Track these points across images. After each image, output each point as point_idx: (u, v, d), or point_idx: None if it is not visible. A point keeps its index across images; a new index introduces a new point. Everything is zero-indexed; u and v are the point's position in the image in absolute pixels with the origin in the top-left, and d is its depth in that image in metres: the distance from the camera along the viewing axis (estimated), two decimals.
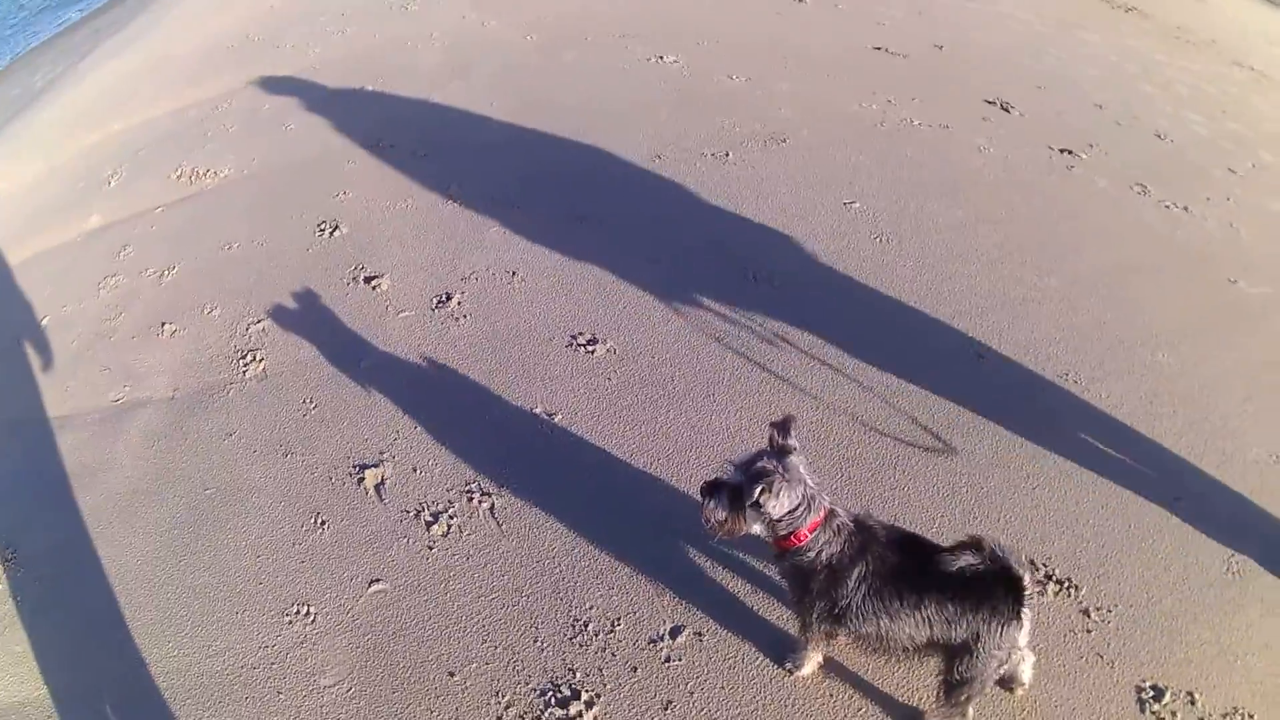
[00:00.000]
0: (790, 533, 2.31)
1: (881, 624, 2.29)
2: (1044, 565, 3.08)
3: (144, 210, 5.45)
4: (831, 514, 2.34)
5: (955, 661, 2.27)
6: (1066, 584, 3.01)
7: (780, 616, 2.92)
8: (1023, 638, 2.24)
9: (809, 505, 2.28)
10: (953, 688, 2.33)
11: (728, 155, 5.33)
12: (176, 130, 6.44)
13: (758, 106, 5.88)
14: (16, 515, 3.77)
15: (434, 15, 7.72)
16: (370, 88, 6.48)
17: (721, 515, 2.32)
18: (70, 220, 5.64)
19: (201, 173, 5.69)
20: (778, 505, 2.22)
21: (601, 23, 7.20)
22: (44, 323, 4.74)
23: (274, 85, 6.75)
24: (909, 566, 2.28)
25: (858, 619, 2.31)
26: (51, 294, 4.96)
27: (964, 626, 2.19)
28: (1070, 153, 5.61)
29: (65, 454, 3.92)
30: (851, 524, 2.36)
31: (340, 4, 8.38)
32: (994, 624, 2.15)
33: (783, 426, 2.33)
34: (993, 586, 2.15)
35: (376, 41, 7.35)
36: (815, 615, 2.41)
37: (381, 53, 7.06)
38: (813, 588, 2.35)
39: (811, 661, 2.70)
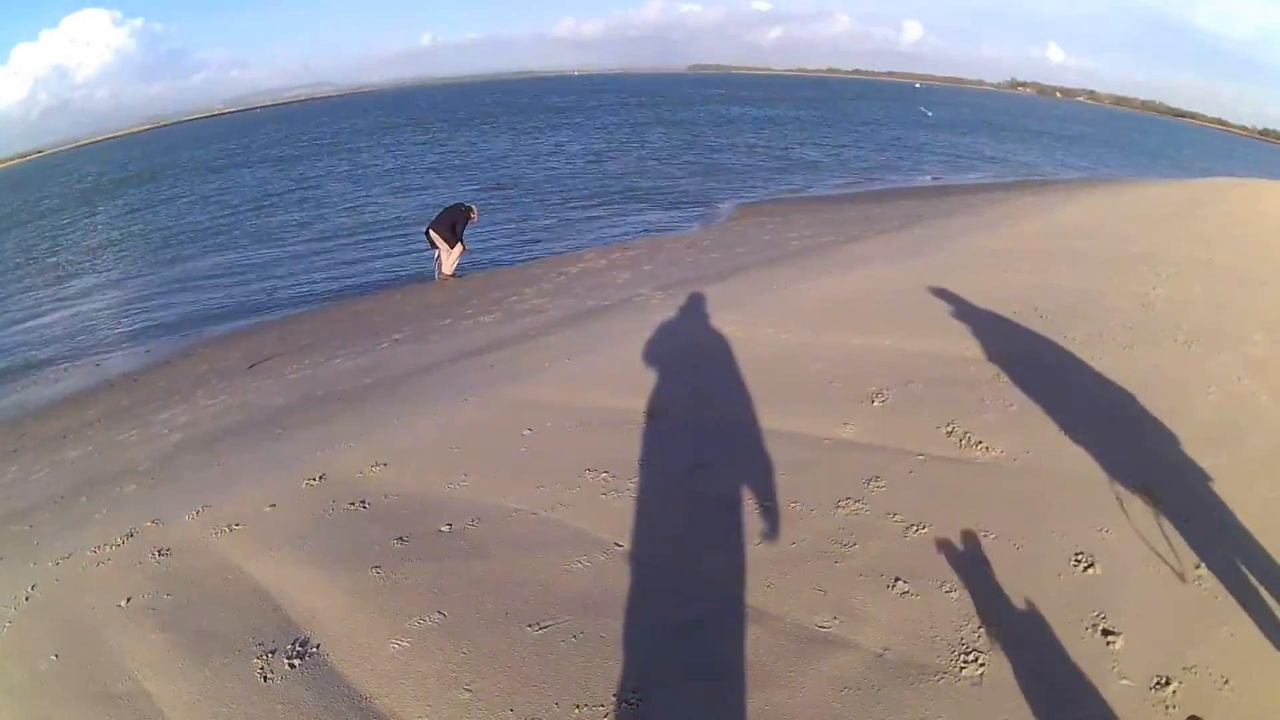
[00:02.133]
0: None
1: None
2: None
3: (904, 449, 5.09)
4: None
5: None
6: None
7: None
8: None
9: None
10: None
11: None
12: (949, 377, 6.15)
13: None
14: (650, 660, 3.45)
15: (1208, 367, 6.51)
16: (1147, 419, 5.47)
17: None
18: (824, 418, 5.58)
19: (974, 440, 5.15)
20: None
21: None
22: (769, 504, 4.56)
23: (1053, 375, 6.17)
24: None
25: None
26: (785, 484, 4.81)
27: None
28: None
29: (745, 643, 3.53)
30: None
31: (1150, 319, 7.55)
32: None
33: None
34: None
35: (1154, 370, 6.36)
36: None
37: (1155, 385, 6.01)
38: None
39: None
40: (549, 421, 5.98)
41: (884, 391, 5.91)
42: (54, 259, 23.70)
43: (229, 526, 4.92)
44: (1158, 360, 6.58)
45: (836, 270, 10.57)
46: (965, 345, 6.86)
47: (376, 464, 5.52)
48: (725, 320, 8.16)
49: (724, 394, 6.11)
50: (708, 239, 16.12)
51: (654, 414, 5.89)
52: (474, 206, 15.01)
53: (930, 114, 53.61)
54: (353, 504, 4.98)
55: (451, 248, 14.68)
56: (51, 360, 13.39)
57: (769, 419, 5.62)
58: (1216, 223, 13.86)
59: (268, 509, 5.08)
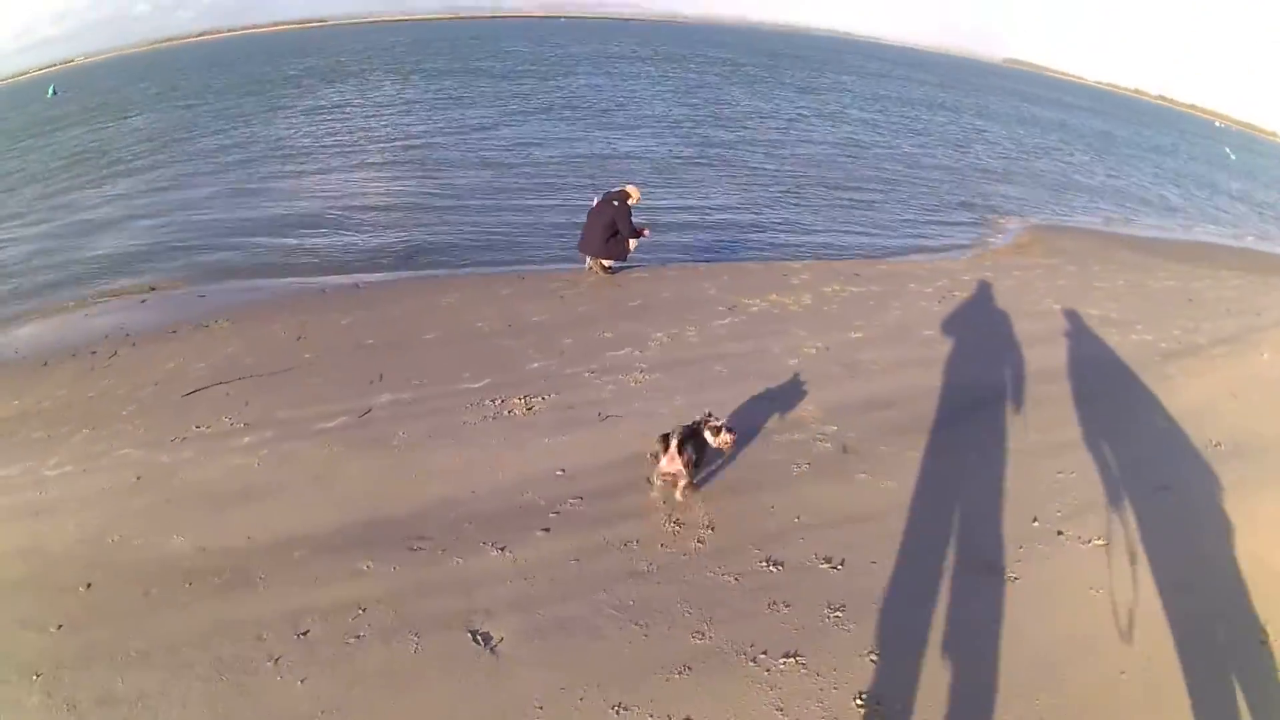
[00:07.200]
0: None
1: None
2: None
3: None
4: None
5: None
6: None
7: None
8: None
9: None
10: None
11: None
12: None
13: None
14: None
15: None
16: None
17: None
18: None
19: None
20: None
21: None
22: None
23: None
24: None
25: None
26: None
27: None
28: None
29: None
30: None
31: None
32: None
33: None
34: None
35: None
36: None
37: None
38: None
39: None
40: None
41: None
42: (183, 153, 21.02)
43: None
44: None
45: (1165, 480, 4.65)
46: None
47: None
48: None
49: None
50: (971, 281, 9.87)
51: None
52: (632, 187, 9.71)
53: (1234, 157, 41.58)
54: None
55: (622, 259, 10.00)
56: (129, 281, 11.17)
57: None
58: None
59: None
